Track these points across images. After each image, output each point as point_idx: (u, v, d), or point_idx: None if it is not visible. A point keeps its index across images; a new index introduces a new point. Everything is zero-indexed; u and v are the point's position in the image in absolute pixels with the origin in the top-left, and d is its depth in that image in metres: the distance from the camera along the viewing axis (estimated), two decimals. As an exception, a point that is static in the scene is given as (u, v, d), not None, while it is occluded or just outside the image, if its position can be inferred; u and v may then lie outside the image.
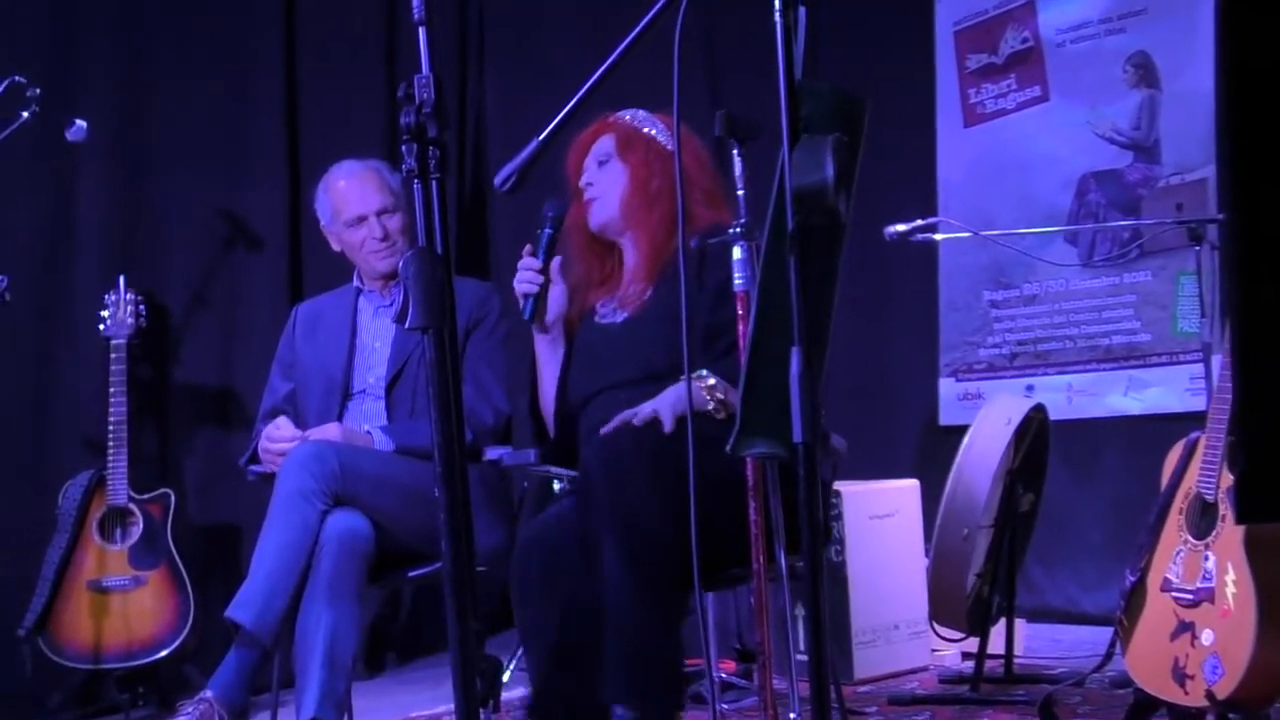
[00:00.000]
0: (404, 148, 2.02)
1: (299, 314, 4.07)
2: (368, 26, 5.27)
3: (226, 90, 5.16)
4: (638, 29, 1.96)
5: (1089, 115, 4.85)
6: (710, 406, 2.81)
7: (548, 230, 3.09)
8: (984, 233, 4.43)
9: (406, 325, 1.98)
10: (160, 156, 5.07)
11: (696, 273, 2.98)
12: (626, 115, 3.22)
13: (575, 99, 2.07)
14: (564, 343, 3.21)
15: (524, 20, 5.49)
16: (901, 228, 3.91)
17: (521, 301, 3.11)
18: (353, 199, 3.97)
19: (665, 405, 2.82)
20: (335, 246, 4.04)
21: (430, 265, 1.99)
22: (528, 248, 3.11)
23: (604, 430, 2.84)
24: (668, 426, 2.79)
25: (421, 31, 2.06)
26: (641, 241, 3.12)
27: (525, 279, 3.10)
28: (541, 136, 2.05)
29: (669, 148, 3.14)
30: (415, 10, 2.06)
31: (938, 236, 4.11)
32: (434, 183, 2.01)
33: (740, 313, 2.49)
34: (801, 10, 1.75)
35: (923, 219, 3.96)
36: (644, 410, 2.83)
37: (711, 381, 2.85)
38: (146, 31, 5.08)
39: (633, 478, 2.64)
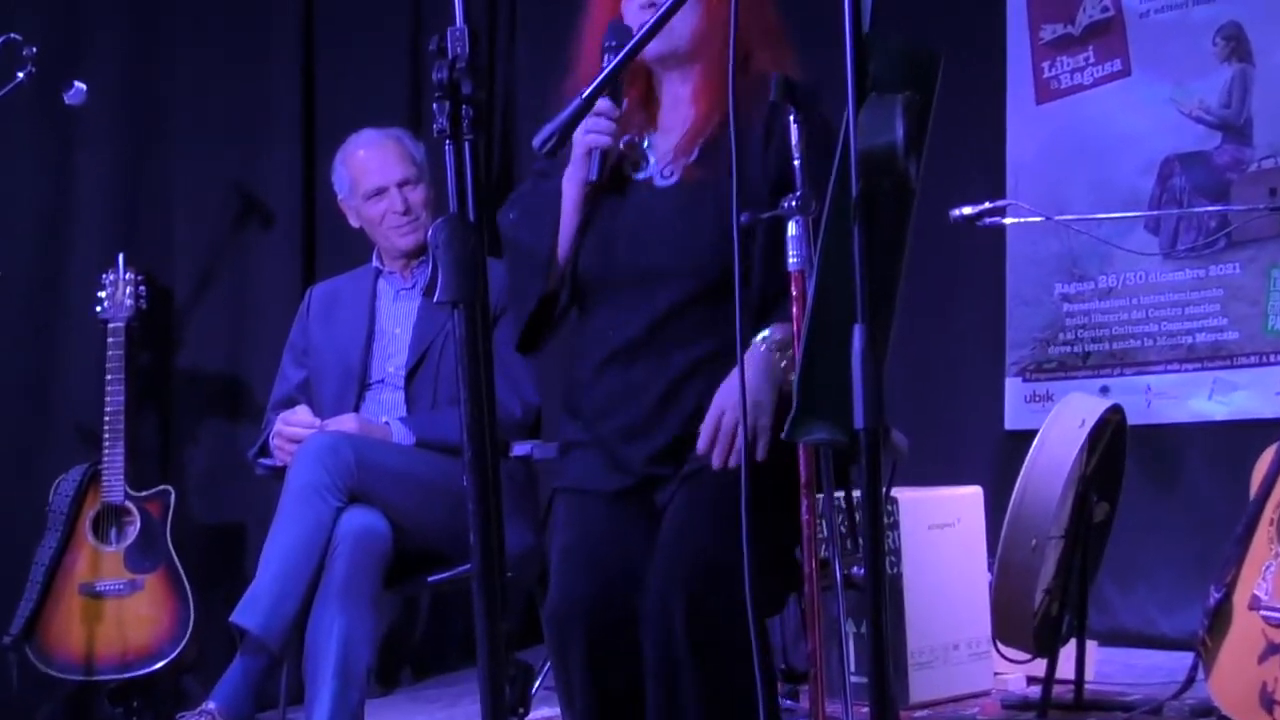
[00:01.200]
0: (435, 105, 2.02)
1: (313, 296, 4.10)
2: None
3: (238, 54, 5.20)
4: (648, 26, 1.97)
5: (1174, 92, 4.83)
6: (788, 377, 2.56)
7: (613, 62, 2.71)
8: (1057, 217, 4.43)
9: (435, 299, 1.99)
10: (165, 124, 5.11)
11: (761, 150, 2.73)
12: None
13: (618, 58, 2.08)
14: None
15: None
16: (968, 210, 3.90)
17: (584, 154, 2.77)
18: (372, 169, 4.00)
19: (762, 416, 2.61)
20: (354, 223, 4.07)
21: (463, 233, 2.00)
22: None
23: (693, 461, 2.64)
24: (762, 453, 2.57)
25: (451, -13, 2.07)
26: (705, 80, 2.80)
27: (600, 127, 2.75)
28: (585, 93, 2.06)
29: None
30: (445, -35, 2.07)
31: (1007, 221, 4.10)
32: (467, 144, 2.02)
33: (794, 293, 2.50)
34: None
35: (990, 202, 3.95)
36: (724, 427, 2.59)
37: (779, 337, 2.65)
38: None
39: (733, 655, 2.42)
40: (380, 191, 3.99)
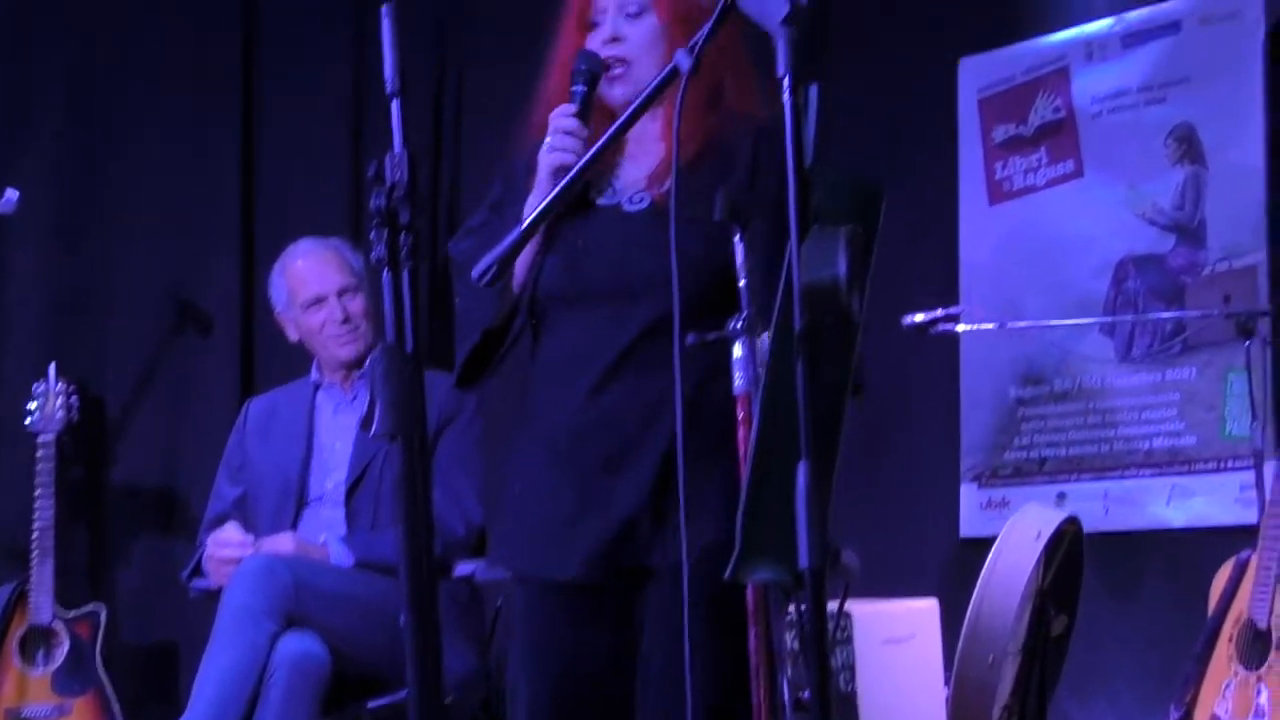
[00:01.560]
0: (373, 233, 2.05)
1: (251, 410, 4.10)
2: (333, 92, 5.31)
3: (176, 158, 5.20)
4: (630, 110, 2.00)
5: (1127, 193, 4.89)
6: None
7: (580, 87, 2.68)
8: (1010, 324, 4.47)
9: (372, 432, 2.00)
10: (100, 228, 5.11)
11: (748, 169, 2.70)
12: None
13: (562, 183, 2.10)
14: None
15: (506, 99, 5.53)
16: (920, 318, 3.95)
17: (549, 175, 2.66)
18: (310, 278, 4.01)
19: None
20: (292, 335, 4.07)
21: (400, 364, 2.02)
22: (565, 107, 2.69)
23: None
24: None
25: (395, 105, 2.10)
26: (671, 118, 2.57)
27: (564, 145, 2.65)
28: (523, 225, 2.08)
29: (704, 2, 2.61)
30: (388, 82, 2.09)
31: (960, 328, 4.15)
32: (405, 272, 2.04)
33: (741, 416, 2.51)
34: (812, 88, 1.79)
35: (943, 308, 3.99)
36: None
37: None
38: (96, 95, 5.13)
39: None
40: (319, 301, 4.01)
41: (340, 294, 4.01)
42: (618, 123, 2.06)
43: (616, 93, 2.73)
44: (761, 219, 2.55)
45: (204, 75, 5.24)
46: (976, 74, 5.25)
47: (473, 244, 2.78)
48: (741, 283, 2.52)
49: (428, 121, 5.34)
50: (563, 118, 2.68)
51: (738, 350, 2.52)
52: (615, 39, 2.74)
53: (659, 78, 1.99)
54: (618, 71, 2.74)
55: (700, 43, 1.88)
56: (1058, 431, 5.04)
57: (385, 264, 2.03)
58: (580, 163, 2.13)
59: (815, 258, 1.73)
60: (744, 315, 2.52)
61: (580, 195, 2.74)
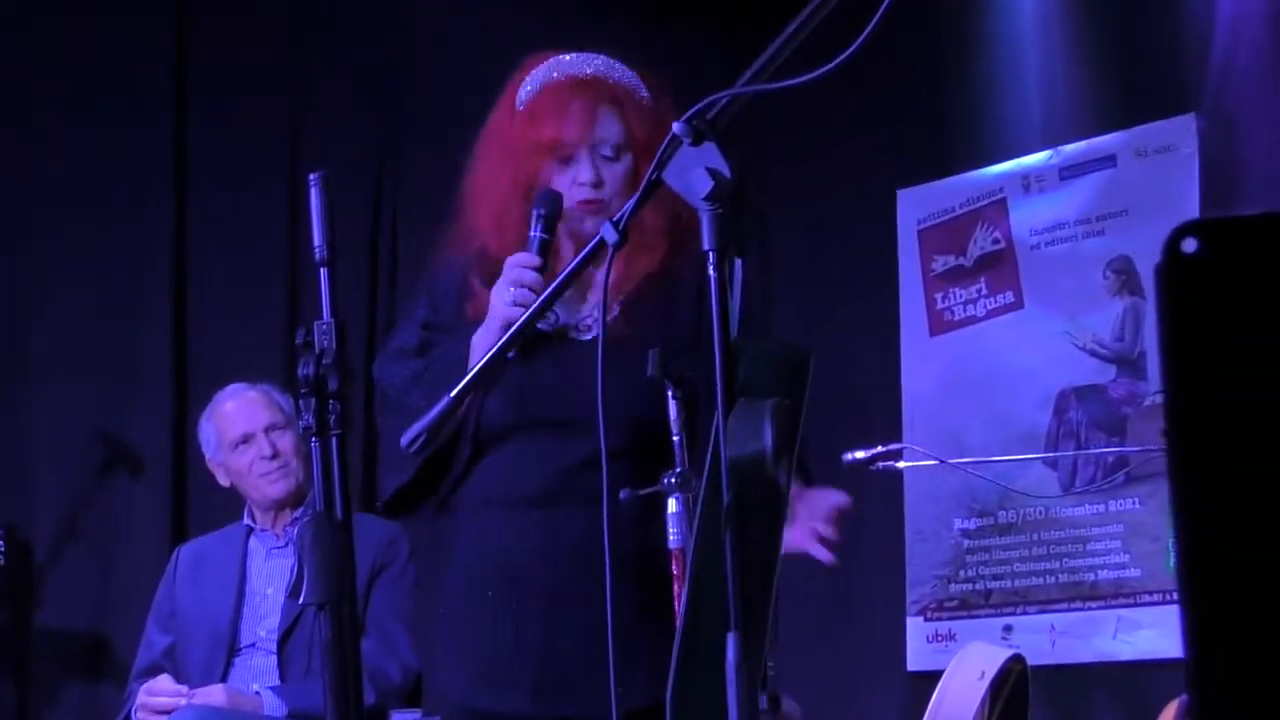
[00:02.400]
0: (300, 401, 2.08)
1: (181, 556, 4.10)
2: (267, 237, 5.35)
3: (108, 297, 5.22)
4: (555, 284, 2.05)
5: (1067, 324, 4.96)
6: None
7: (539, 233, 2.68)
8: (952, 461, 4.52)
9: (301, 601, 2.03)
10: (29, 370, 5.11)
11: (694, 309, 2.71)
12: (623, 79, 2.81)
13: (494, 349, 2.14)
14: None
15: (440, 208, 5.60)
16: (861, 455, 3.98)
17: (502, 323, 2.64)
18: (238, 418, 4.05)
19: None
20: (223, 481, 4.09)
21: (329, 533, 2.05)
22: (521, 256, 2.68)
23: None
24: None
25: (323, 274, 2.14)
26: (639, 253, 2.68)
27: (524, 299, 2.63)
28: (453, 393, 2.12)
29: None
30: (316, 250, 2.13)
31: (901, 465, 4.19)
32: (334, 440, 2.07)
33: (676, 571, 2.54)
34: (737, 262, 1.84)
35: (884, 444, 4.04)
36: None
37: None
38: (23, 231, 5.15)
39: None
40: (247, 439, 4.04)
41: (268, 430, 4.04)
42: (542, 296, 2.11)
43: (587, 227, 2.72)
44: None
45: (140, 219, 5.27)
46: (915, 205, 5.34)
47: (412, 376, 2.79)
48: (675, 438, 2.56)
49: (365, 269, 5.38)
50: (523, 269, 2.67)
51: (672, 506, 2.56)
52: (598, 183, 2.74)
53: (586, 250, 2.04)
54: (594, 211, 2.73)
55: (625, 217, 1.93)
56: (1003, 564, 5.08)
57: (314, 432, 2.07)
58: (509, 333, 2.17)
59: (741, 432, 1.77)
60: (678, 471, 2.56)
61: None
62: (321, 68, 5.41)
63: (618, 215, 1.97)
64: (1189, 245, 1.06)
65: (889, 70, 4.81)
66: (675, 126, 1.84)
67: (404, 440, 2.19)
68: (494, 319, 2.68)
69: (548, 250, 2.68)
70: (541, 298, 2.12)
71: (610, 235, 1.92)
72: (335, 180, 2.28)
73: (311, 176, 2.15)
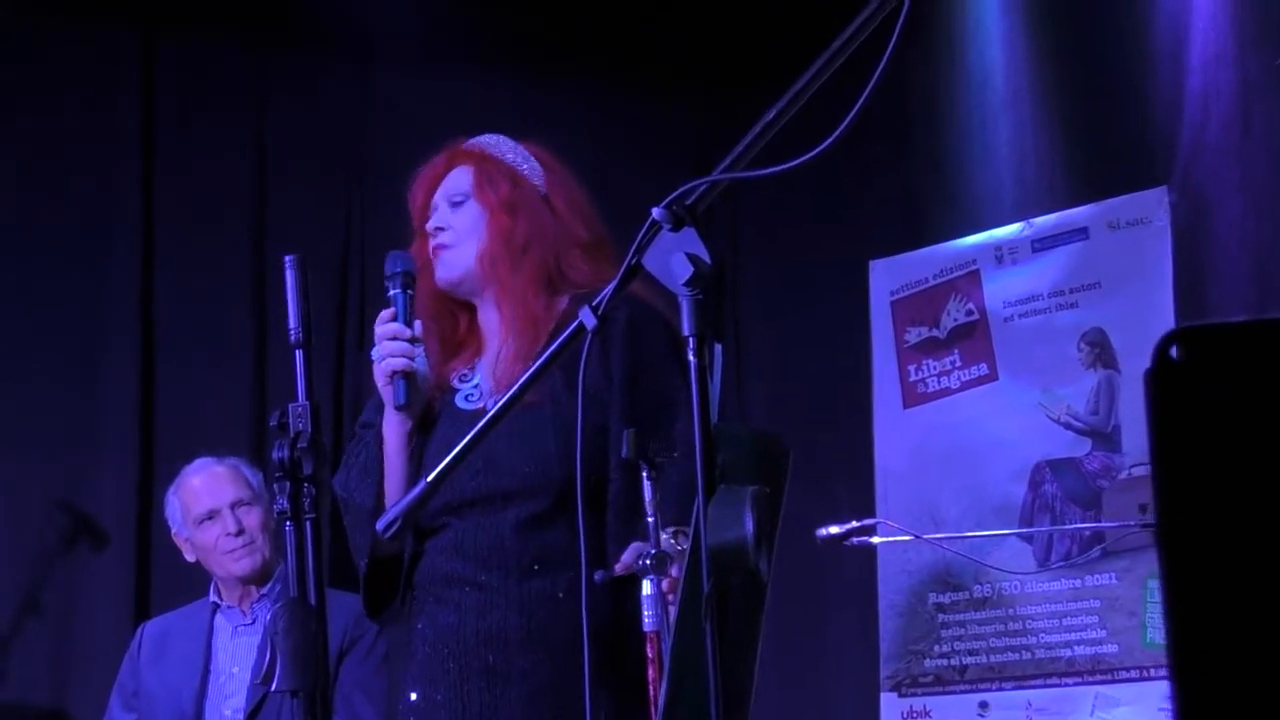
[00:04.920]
0: (275, 485, 2.09)
1: (145, 634, 4.08)
2: (234, 307, 5.35)
3: (69, 364, 5.21)
4: (535, 367, 2.06)
5: (1041, 397, 4.99)
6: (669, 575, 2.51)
7: (398, 291, 2.85)
8: (927, 536, 4.53)
9: (274, 688, 2.03)
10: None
11: (600, 357, 2.80)
12: (485, 141, 3.07)
13: (474, 431, 2.15)
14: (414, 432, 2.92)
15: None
16: (835, 530, 4.00)
17: (386, 383, 2.84)
18: (203, 493, 4.05)
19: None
20: (189, 557, 4.08)
21: (303, 620, 2.05)
22: (384, 314, 2.88)
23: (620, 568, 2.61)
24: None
25: (298, 356, 2.15)
26: (506, 304, 2.92)
27: (395, 350, 2.83)
28: (429, 478, 2.13)
29: (538, 185, 3.00)
30: (292, 332, 2.15)
31: (875, 540, 4.21)
32: (308, 524, 2.08)
33: (650, 656, 2.54)
34: (717, 348, 1.86)
35: (858, 519, 4.05)
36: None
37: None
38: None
39: None
40: (212, 514, 4.04)
41: (234, 506, 4.05)
42: (523, 379, 2.12)
43: (439, 275, 2.95)
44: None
45: (104, 285, 5.26)
46: (888, 276, 5.36)
47: (348, 473, 2.94)
48: (650, 519, 2.57)
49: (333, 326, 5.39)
50: (384, 325, 2.85)
51: (646, 588, 2.57)
52: (440, 228, 2.96)
53: (564, 335, 2.06)
54: (441, 256, 2.95)
55: (604, 300, 1.95)
56: (978, 639, 5.08)
57: (288, 517, 2.08)
58: (485, 419, 2.18)
59: (722, 519, 1.78)
60: (652, 552, 2.57)
61: (447, 403, 2.92)
62: (286, 138, 5.44)
63: (596, 300, 1.99)
64: (1175, 352, 1.09)
65: (861, 141, 4.85)
66: (655, 212, 1.86)
67: (380, 525, 2.20)
68: (379, 379, 2.85)
69: (408, 306, 2.84)
70: (520, 382, 2.13)
71: (589, 320, 1.94)
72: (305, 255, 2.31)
73: (287, 259, 2.18)
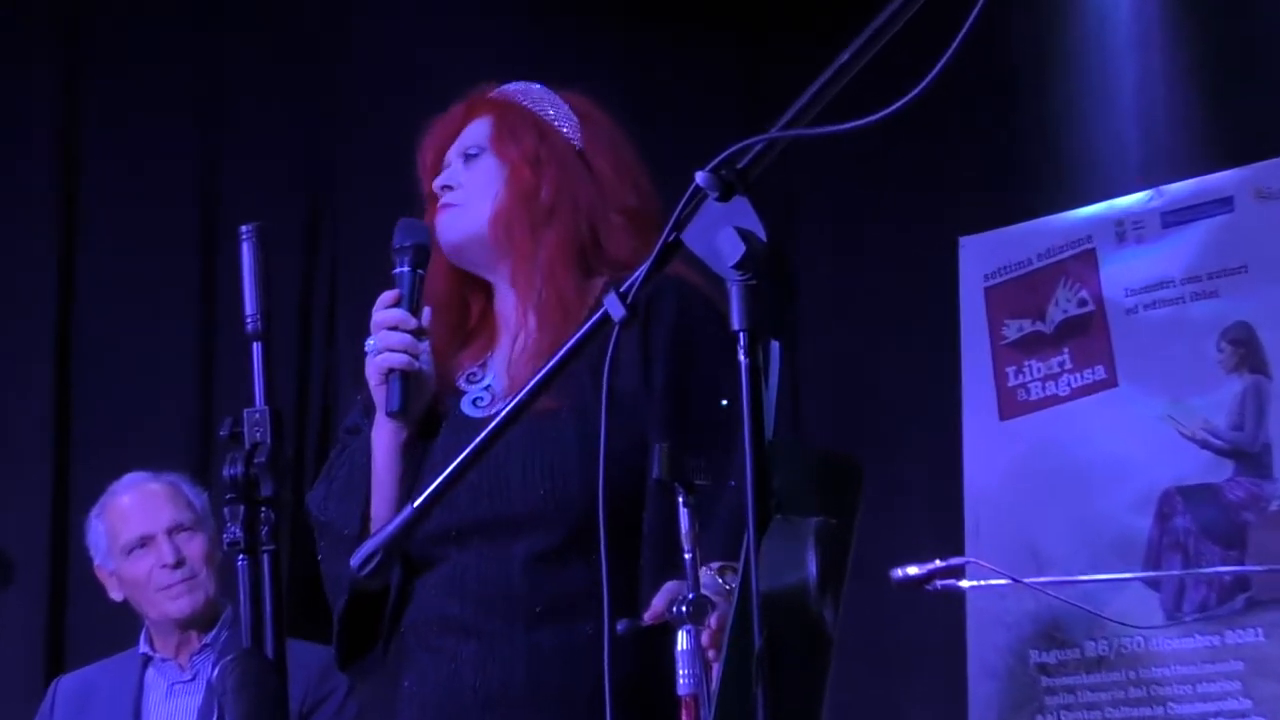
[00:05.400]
0: (226, 509, 2.10)
1: (60, 690, 4.10)
2: (174, 290, 5.37)
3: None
4: (558, 357, 2.07)
5: (1171, 408, 4.96)
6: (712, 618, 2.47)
7: (406, 269, 2.84)
8: (1028, 580, 4.52)
9: (225, 758, 2.04)
10: None
11: (638, 354, 2.80)
12: (513, 89, 3.07)
13: (474, 443, 2.15)
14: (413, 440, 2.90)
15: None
16: (914, 571, 3.99)
17: (380, 382, 2.81)
18: (135, 516, 4.07)
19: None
20: (114, 595, 4.10)
21: (258, 674, 2.06)
22: (386, 296, 2.85)
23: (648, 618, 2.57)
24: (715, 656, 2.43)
25: (256, 349, 2.16)
26: (525, 282, 2.92)
27: (396, 344, 2.80)
28: (416, 503, 2.14)
29: (573, 139, 3.00)
30: (249, 320, 2.15)
31: (964, 584, 4.19)
32: (265, 558, 2.09)
33: (687, 722, 2.55)
34: (774, 345, 1.87)
35: (942, 557, 4.04)
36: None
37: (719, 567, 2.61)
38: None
39: None
40: (145, 542, 4.06)
41: (171, 532, 4.07)
42: (537, 378, 2.13)
43: (440, 237, 2.94)
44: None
45: (8, 266, 5.30)
46: (981, 257, 5.33)
47: (328, 488, 2.95)
48: (686, 555, 2.58)
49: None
50: (386, 310, 2.82)
51: (682, 642, 2.57)
52: (448, 186, 2.96)
53: (586, 326, 2.06)
54: (444, 216, 2.96)
55: (635, 285, 1.96)
56: (1092, 708, 5.07)
57: (242, 549, 2.08)
58: (492, 425, 2.19)
59: (778, 558, 1.79)
60: (689, 596, 2.57)
61: (451, 407, 2.91)
62: (242, 78, 5.45)
63: (624, 286, 1.99)
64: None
65: (951, 90, 4.84)
66: (699, 177, 1.86)
67: (354, 561, 2.21)
68: (371, 378, 2.83)
69: (417, 288, 2.82)
70: (533, 383, 2.14)
71: (616, 309, 1.95)
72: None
73: (244, 228, 2.18)
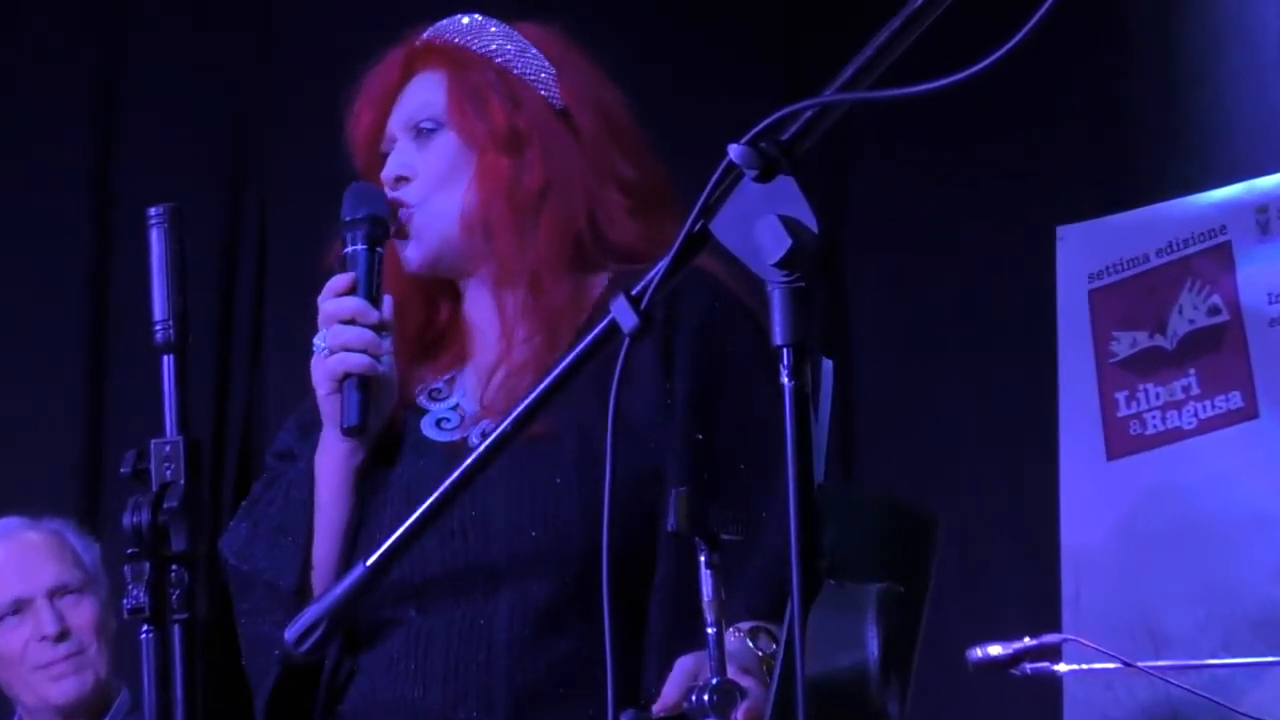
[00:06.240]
0: (127, 568, 2.09)
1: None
2: (58, 285, 5.40)
3: None
4: (561, 368, 2.07)
5: (1325, 445, 4.99)
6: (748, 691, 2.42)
7: (361, 247, 2.81)
8: (1142, 664, 4.53)
9: None
10: None
11: (655, 369, 2.77)
12: (455, 27, 2.99)
13: (448, 482, 2.16)
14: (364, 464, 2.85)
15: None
16: (998, 650, 4.01)
17: (332, 390, 2.76)
18: (7, 574, 4.07)
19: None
20: (-21, 672, 4.12)
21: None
22: (337, 281, 2.81)
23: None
24: None
25: (167, 363, 2.16)
26: (507, 289, 2.88)
27: (354, 341, 2.76)
28: (370, 560, 2.15)
29: (548, 93, 2.93)
30: (158, 328, 2.14)
31: (1061, 668, 4.20)
32: (176, 631, 2.09)
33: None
34: (826, 365, 1.87)
35: (1034, 634, 4.05)
36: None
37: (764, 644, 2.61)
38: None
39: None
40: (19, 607, 4.08)
41: (54, 595, 4.07)
42: (527, 401, 2.13)
43: (407, 255, 2.89)
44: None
45: None
46: (1085, 251, 5.34)
47: (251, 529, 2.89)
48: (710, 629, 2.58)
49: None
50: (339, 299, 2.78)
51: (707, 738, 2.58)
52: (400, 178, 2.90)
53: (592, 335, 2.06)
54: (407, 209, 2.88)
55: (651, 287, 1.95)
56: (1224, 824, 5.08)
57: (145, 617, 2.08)
58: (475, 454, 2.20)
59: (831, 634, 1.79)
60: (713, 684, 2.57)
61: (411, 427, 2.87)
62: (141, 52, 5.50)
63: (636, 289, 1.97)
64: None
65: (1043, 47, 4.86)
66: (733, 151, 1.85)
67: (290, 634, 2.21)
68: (320, 385, 2.78)
69: (375, 273, 2.78)
70: (522, 406, 2.14)
71: (627, 318, 1.94)
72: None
73: (153, 211, 2.18)
